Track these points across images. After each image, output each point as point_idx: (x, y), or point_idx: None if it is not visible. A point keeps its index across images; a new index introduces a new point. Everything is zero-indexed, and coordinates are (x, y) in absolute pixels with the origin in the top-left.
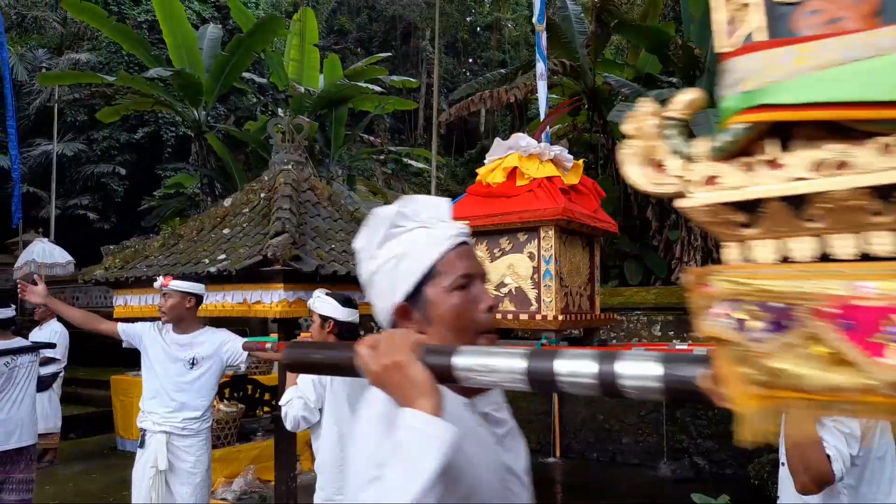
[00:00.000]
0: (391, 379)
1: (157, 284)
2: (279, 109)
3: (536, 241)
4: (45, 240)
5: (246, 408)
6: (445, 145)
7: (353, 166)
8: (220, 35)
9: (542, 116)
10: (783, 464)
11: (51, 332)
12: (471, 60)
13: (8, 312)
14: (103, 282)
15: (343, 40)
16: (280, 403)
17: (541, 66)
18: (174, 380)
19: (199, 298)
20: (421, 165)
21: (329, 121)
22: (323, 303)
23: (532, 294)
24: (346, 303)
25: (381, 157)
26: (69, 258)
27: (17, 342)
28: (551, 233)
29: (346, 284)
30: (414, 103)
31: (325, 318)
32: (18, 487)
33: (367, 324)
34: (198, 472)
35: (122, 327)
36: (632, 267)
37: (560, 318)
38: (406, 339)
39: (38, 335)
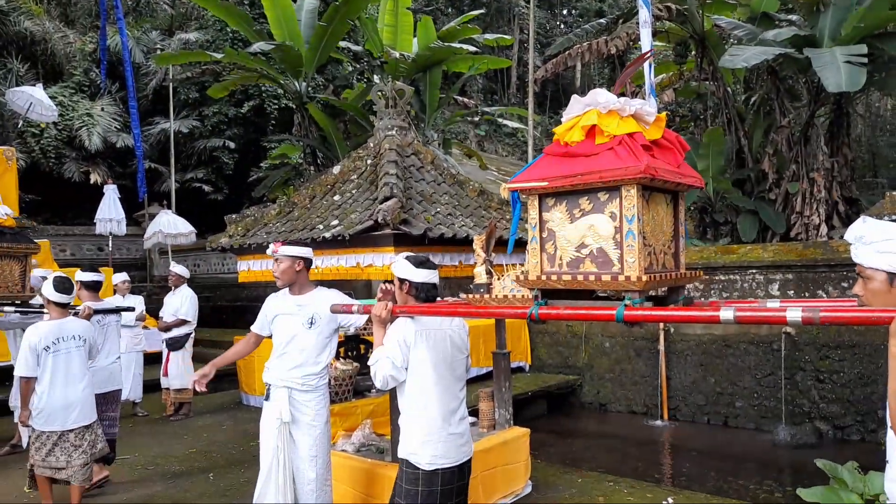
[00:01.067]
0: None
1: (269, 251)
2: (374, 76)
3: (618, 200)
4: (170, 211)
5: (360, 366)
6: (539, 102)
7: (446, 130)
8: (316, 5)
9: (647, 67)
10: (892, 427)
11: (182, 296)
12: (565, 12)
13: (98, 277)
14: (228, 248)
15: (434, 1)
16: (369, 363)
17: (644, 13)
18: (295, 338)
19: (307, 261)
20: (515, 125)
21: (424, 84)
22: (399, 265)
23: (614, 255)
24: (422, 265)
25: (476, 118)
26: (191, 228)
27: (106, 303)
28: (633, 191)
29: (452, 246)
30: (508, 61)
31: (402, 280)
32: (109, 423)
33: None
34: (317, 424)
35: (257, 329)
36: (745, 223)
37: (644, 278)
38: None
39: (171, 299)
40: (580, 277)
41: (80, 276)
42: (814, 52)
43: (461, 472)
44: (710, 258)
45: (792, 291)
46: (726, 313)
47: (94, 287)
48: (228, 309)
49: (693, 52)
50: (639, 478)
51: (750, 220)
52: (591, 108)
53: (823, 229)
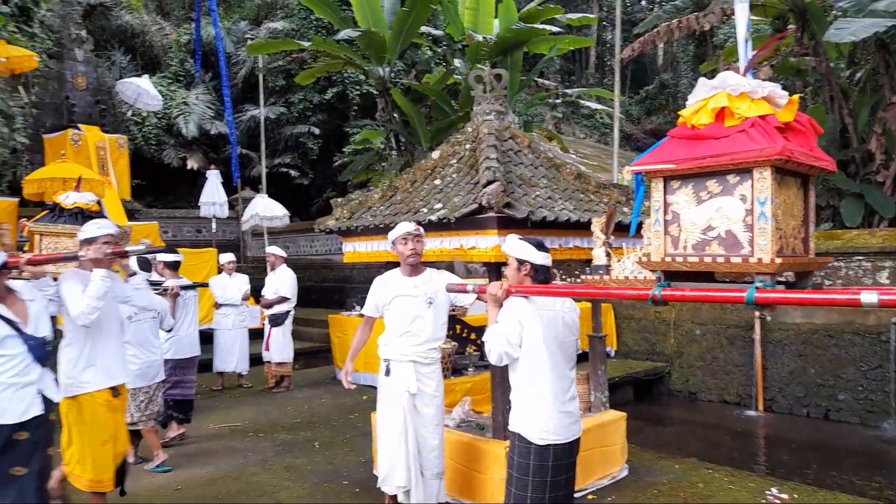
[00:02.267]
0: None
1: (411, 229)
2: (455, 60)
3: (749, 182)
4: (265, 195)
5: (457, 345)
6: (619, 83)
7: (526, 112)
8: None
9: (742, 43)
10: None
11: (282, 275)
12: None
13: (178, 257)
14: (335, 230)
15: None
16: (484, 339)
17: None
18: (418, 317)
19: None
20: (595, 106)
21: (504, 67)
22: (519, 247)
23: (744, 237)
24: (540, 247)
25: (558, 100)
26: (285, 211)
27: (184, 280)
28: (767, 174)
29: (554, 229)
30: (591, 41)
31: (521, 262)
32: (189, 385)
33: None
34: (439, 394)
35: (370, 312)
36: (850, 207)
37: (777, 261)
38: None
39: (271, 277)
40: (707, 259)
41: (162, 256)
42: None
43: (570, 450)
44: (813, 244)
45: None
46: (868, 297)
47: (174, 266)
48: (318, 289)
49: (792, 26)
50: (736, 467)
51: (854, 203)
52: (720, 90)
53: None
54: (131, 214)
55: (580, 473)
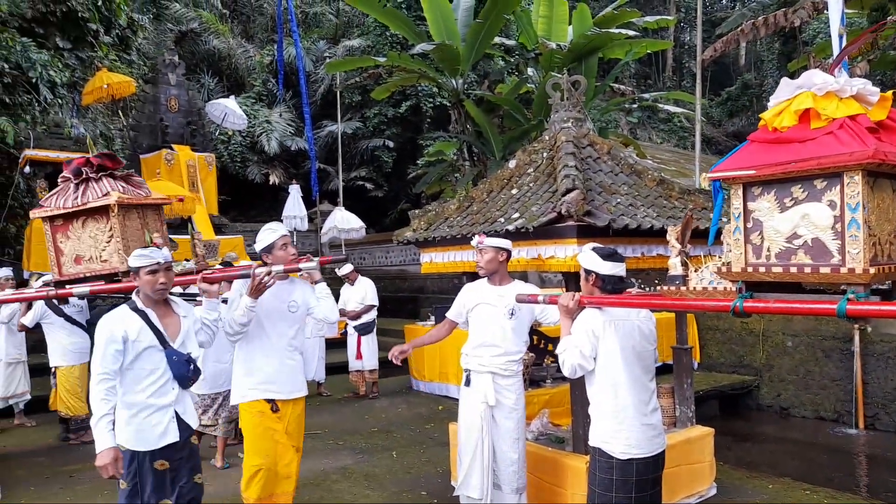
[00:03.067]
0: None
1: (473, 242)
2: (528, 69)
3: (839, 187)
4: (343, 208)
5: (534, 356)
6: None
7: (602, 118)
8: (472, 4)
9: (836, 38)
10: None
11: (364, 285)
12: None
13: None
14: (413, 241)
15: None
16: (557, 352)
17: None
18: (498, 327)
19: (509, 253)
20: (673, 109)
21: (579, 74)
22: (586, 257)
23: (833, 245)
24: (609, 257)
25: (634, 105)
26: (361, 223)
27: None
28: (858, 178)
29: (635, 237)
30: (669, 43)
31: (588, 272)
32: None
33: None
34: (518, 407)
35: (453, 316)
36: None
37: (871, 270)
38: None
39: (351, 292)
40: (793, 269)
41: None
42: None
43: (656, 464)
44: None
45: None
46: None
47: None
48: (393, 300)
49: (893, 17)
50: (836, 489)
51: None
52: (805, 90)
53: None
54: (218, 229)
55: (665, 491)
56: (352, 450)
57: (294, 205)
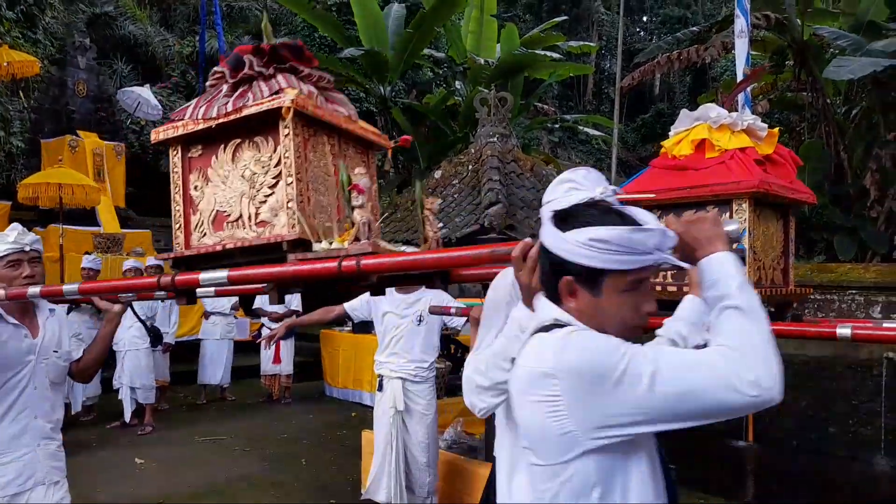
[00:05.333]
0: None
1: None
2: (456, 82)
3: (728, 214)
4: None
5: (451, 365)
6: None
7: (525, 136)
8: (403, 13)
9: (741, 77)
10: None
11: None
12: (645, 19)
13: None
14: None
15: (512, 7)
16: (466, 364)
17: (742, 22)
18: (407, 334)
19: None
20: (591, 132)
21: (506, 91)
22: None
23: None
24: None
25: (556, 125)
26: None
27: None
28: (745, 206)
29: None
30: (590, 68)
31: None
32: None
33: None
34: (429, 413)
35: (350, 308)
36: (844, 241)
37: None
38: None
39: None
40: (685, 290)
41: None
42: None
43: None
44: (805, 276)
45: None
46: (843, 330)
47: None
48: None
49: (790, 62)
50: (728, 498)
51: (848, 238)
52: (702, 122)
53: None
54: (125, 222)
55: None
56: (259, 457)
57: None
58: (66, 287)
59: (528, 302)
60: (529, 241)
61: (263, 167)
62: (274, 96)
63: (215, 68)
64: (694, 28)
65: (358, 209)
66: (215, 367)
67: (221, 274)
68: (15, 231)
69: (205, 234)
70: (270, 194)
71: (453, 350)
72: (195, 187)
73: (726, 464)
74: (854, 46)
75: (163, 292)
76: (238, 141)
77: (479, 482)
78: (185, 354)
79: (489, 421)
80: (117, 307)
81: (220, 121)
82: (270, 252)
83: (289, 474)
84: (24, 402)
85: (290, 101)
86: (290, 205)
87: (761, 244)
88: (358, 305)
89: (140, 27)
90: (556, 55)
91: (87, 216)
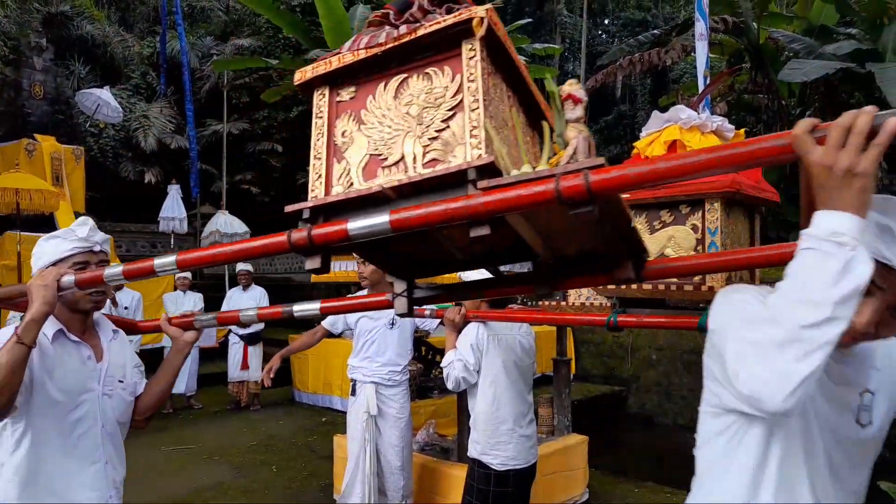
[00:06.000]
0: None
1: (355, 253)
2: None
3: (701, 213)
4: (226, 212)
5: (423, 367)
6: None
7: None
8: (369, 14)
9: (701, 79)
10: None
11: (258, 293)
12: (607, 22)
13: None
14: (297, 249)
15: None
16: (442, 365)
17: (701, 25)
18: (380, 338)
19: None
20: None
21: None
22: (475, 272)
23: None
24: (496, 272)
25: None
26: (246, 228)
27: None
28: (717, 205)
29: None
30: (554, 70)
31: None
32: None
33: None
34: (403, 416)
35: (329, 325)
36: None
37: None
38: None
39: (243, 296)
40: (661, 287)
41: None
42: (877, 66)
43: (531, 474)
44: (765, 273)
45: None
46: None
47: None
48: None
49: (747, 65)
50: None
51: None
52: (672, 123)
53: None
54: None
55: (542, 497)
56: (229, 465)
57: (173, 205)
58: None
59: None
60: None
61: (436, 99)
62: (461, 13)
63: (376, 12)
64: (655, 31)
65: (573, 124)
66: (182, 375)
67: (381, 219)
68: (86, 226)
69: (351, 185)
70: (444, 128)
71: (424, 352)
72: (343, 133)
73: (692, 458)
74: (807, 49)
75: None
76: (404, 76)
77: (453, 483)
78: (149, 363)
79: (462, 421)
80: (189, 335)
81: (389, 45)
82: (445, 191)
83: (259, 482)
84: (92, 444)
85: (484, 13)
86: (474, 132)
87: (730, 242)
88: (334, 319)
89: (98, 27)
90: (520, 57)
91: (45, 222)
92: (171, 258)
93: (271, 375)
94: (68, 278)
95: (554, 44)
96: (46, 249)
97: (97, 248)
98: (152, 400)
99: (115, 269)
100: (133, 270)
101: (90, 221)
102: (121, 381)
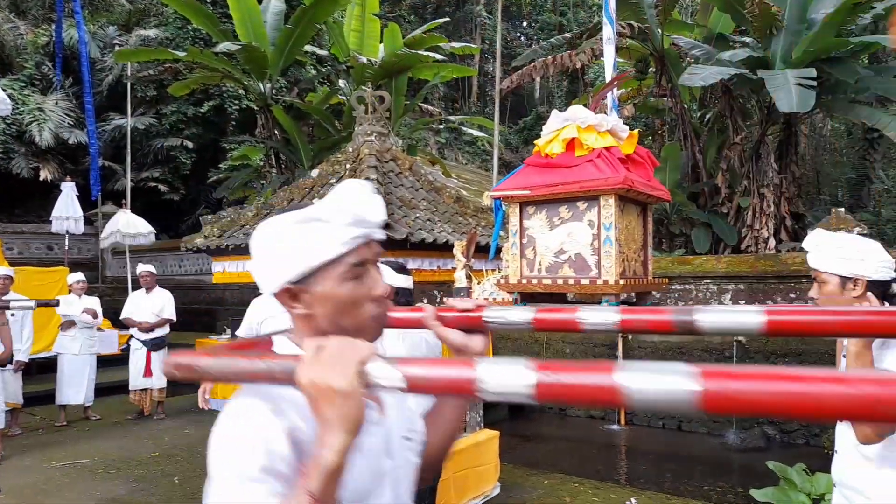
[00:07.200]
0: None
1: None
2: (339, 80)
3: (596, 209)
4: (128, 211)
5: None
6: (499, 112)
7: (410, 136)
8: (282, 9)
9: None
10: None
11: (162, 296)
12: (525, 24)
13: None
14: (204, 249)
15: (397, 7)
16: None
17: (608, 30)
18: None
19: None
20: (477, 133)
21: (389, 91)
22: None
23: (592, 260)
24: (402, 270)
25: (441, 126)
26: (150, 228)
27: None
28: (611, 201)
29: (431, 251)
30: (473, 70)
31: None
32: None
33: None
34: None
35: (244, 334)
36: (700, 235)
37: (621, 282)
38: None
39: (145, 300)
40: (560, 281)
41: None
42: (767, 73)
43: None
44: (667, 268)
45: (743, 301)
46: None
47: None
48: (187, 311)
49: (652, 69)
50: (600, 480)
51: (704, 232)
52: (571, 122)
53: (772, 242)
54: None
55: (454, 493)
56: (126, 479)
57: (66, 204)
58: None
59: None
60: None
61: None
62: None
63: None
64: (566, 34)
65: None
66: (76, 386)
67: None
68: None
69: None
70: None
71: None
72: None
73: (601, 448)
74: (706, 56)
75: None
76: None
77: None
78: (40, 372)
79: None
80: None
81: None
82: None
83: (160, 495)
84: None
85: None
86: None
87: (625, 237)
88: (248, 326)
89: None
90: (439, 56)
91: None
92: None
93: (206, 397)
94: None
95: (473, 44)
96: None
97: None
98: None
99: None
100: None
101: None
102: (408, 439)
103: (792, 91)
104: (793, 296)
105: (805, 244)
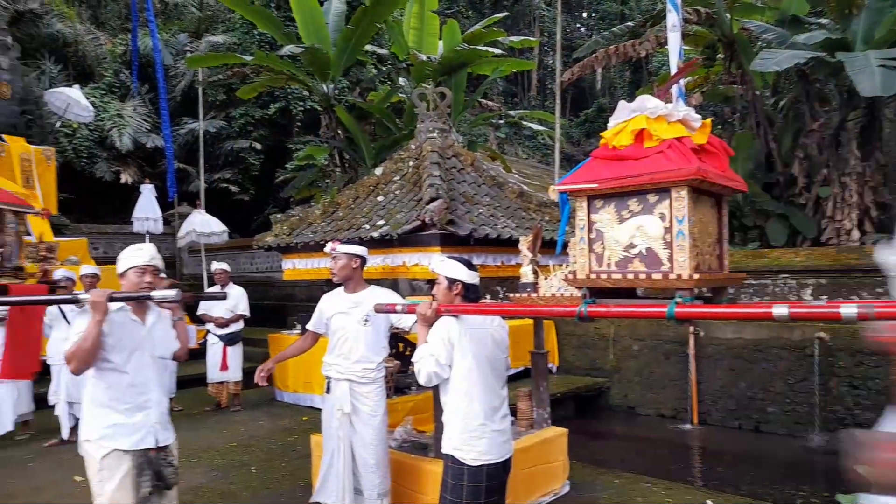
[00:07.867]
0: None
1: (327, 248)
2: (400, 79)
3: (668, 201)
4: (203, 211)
5: (399, 364)
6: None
7: (470, 132)
8: (344, 9)
9: (674, 70)
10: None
11: (236, 292)
12: (585, 15)
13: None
14: (274, 247)
15: (455, 3)
16: (413, 360)
17: (673, 17)
18: (353, 335)
19: (363, 260)
20: (537, 127)
21: (449, 87)
22: (450, 266)
23: (664, 254)
24: (470, 266)
25: (501, 121)
26: (224, 227)
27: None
28: (684, 193)
29: (495, 247)
30: (532, 63)
31: (452, 281)
32: None
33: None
34: (377, 414)
35: (313, 327)
36: (775, 227)
37: (695, 276)
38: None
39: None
40: (630, 276)
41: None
42: (847, 55)
43: (504, 469)
44: (741, 262)
45: (825, 296)
46: (780, 310)
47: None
48: (258, 307)
49: (721, 55)
50: (673, 481)
51: (779, 224)
52: (639, 113)
53: (855, 234)
54: (58, 230)
55: (522, 490)
56: (207, 467)
57: (146, 205)
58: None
59: None
60: None
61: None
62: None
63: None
64: (629, 23)
65: None
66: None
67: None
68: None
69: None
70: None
71: (402, 348)
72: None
73: (672, 447)
74: (779, 39)
75: None
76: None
77: (431, 479)
78: None
79: (438, 418)
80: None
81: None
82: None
83: (238, 483)
84: None
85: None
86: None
87: (698, 231)
88: (317, 320)
89: (69, 25)
90: (498, 51)
91: None
92: None
93: (263, 378)
94: None
95: (532, 37)
96: None
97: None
98: None
99: None
100: None
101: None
102: None
103: (875, 73)
104: (880, 290)
105: None
